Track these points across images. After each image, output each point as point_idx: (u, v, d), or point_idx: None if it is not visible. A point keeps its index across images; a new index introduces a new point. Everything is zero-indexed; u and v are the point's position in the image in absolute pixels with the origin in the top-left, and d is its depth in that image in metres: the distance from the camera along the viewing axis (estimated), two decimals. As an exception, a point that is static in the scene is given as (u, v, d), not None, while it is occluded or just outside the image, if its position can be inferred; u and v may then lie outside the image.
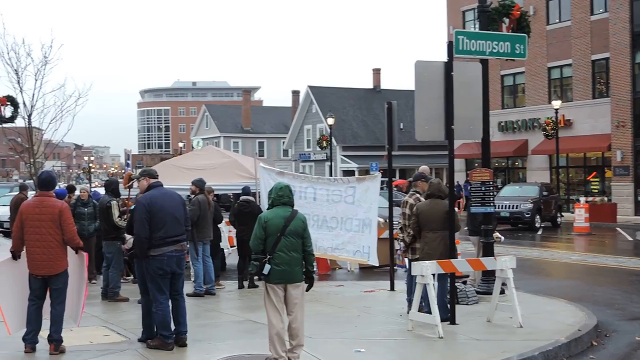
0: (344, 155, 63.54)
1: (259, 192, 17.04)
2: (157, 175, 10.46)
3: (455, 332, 10.75)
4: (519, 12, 13.93)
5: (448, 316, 11.12)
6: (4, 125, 27.19)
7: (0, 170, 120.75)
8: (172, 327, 9.91)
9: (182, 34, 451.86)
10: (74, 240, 9.72)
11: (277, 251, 8.72)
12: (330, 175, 55.47)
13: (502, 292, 11.92)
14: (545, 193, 34.59)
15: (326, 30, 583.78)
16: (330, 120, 55.28)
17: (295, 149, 72.88)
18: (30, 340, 9.63)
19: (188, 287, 13.02)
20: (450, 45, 11.31)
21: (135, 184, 12.39)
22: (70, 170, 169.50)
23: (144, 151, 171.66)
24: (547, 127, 40.85)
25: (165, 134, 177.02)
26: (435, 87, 11.12)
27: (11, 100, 26.58)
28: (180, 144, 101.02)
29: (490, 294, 12.15)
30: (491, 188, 12.98)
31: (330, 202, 15.70)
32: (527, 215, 32.43)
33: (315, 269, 10.67)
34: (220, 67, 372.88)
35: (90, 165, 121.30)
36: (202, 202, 14.87)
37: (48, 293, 9.72)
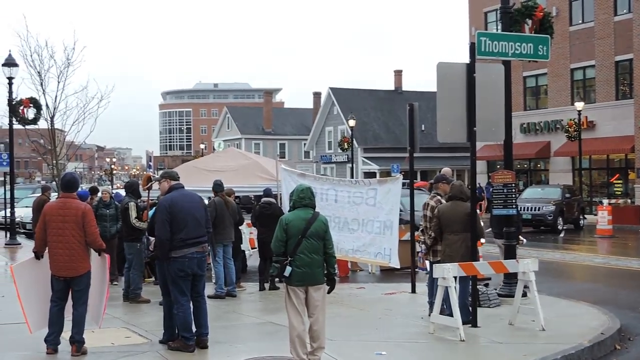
0: (365, 157, 63.48)
1: (280, 193, 17.03)
2: (178, 177, 10.48)
3: (476, 335, 10.70)
4: (541, 13, 13.81)
5: (470, 319, 11.07)
6: (27, 126, 27.46)
7: (23, 171, 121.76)
8: (194, 328, 9.92)
9: (204, 36, 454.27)
10: (97, 242, 9.76)
11: (298, 253, 8.70)
12: (352, 177, 55.38)
13: (524, 294, 11.83)
14: (567, 195, 34.35)
15: (348, 32, 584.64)
16: (352, 122, 55.21)
17: (317, 151, 72.95)
18: (52, 342, 9.66)
19: (209, 289, 13.06)
20: (472, 46, 11.25)
21: (156, 186, 12.41)
22: (93, 172, 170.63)
23: (166, 153, 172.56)
24: (569, 129, 40.53)
25: (186, 136, 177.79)
26: (458, 88, 11.08)
27: (34, 102, 26.87)
28: (202, 146, 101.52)
29: (512, 297, 12.07)
30: (513, 190, 12.91)
31: (351, 204, 15.66)
32: (549, 218, 32.23)
33: (336, 271, 10.63)
34: (242, 69, 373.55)
35: (112, 166, 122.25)
36: (219, 204, 14.88)
37: (70, 294, 9.77)
